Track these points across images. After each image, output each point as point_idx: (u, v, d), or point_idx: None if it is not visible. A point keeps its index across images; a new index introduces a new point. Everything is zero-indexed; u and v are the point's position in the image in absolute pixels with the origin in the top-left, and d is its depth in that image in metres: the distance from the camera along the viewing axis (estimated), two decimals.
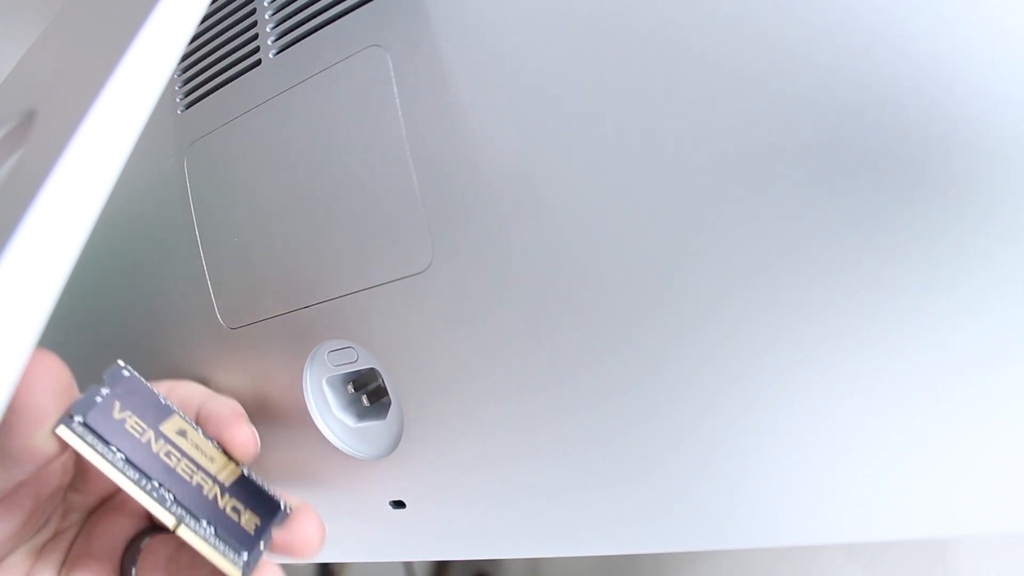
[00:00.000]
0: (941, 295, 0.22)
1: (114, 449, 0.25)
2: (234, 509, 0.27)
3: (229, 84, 0.35)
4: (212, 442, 0.28)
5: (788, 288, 0.24)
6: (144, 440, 0.26)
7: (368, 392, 0.35)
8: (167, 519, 0.25)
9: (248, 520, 0.27)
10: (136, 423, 0.26)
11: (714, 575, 0.72)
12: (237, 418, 0.29)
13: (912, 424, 0.23)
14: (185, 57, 0.37)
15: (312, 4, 0.33)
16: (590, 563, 0.85)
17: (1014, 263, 0.21)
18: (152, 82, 0.19)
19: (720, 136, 0.24)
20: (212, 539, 0.26)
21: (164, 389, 0.29)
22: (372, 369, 0.34)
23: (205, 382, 0.38)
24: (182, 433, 0.27)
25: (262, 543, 0.27)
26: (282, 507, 0.28)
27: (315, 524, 0.29)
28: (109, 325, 0.42)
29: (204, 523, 0.26)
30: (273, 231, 0.34)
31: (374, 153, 0.30)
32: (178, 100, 0.37)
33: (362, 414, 0.36)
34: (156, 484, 0.25)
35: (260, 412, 0.37)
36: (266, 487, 0.29)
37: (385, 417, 0.34)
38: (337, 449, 0.35)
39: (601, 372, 0.27)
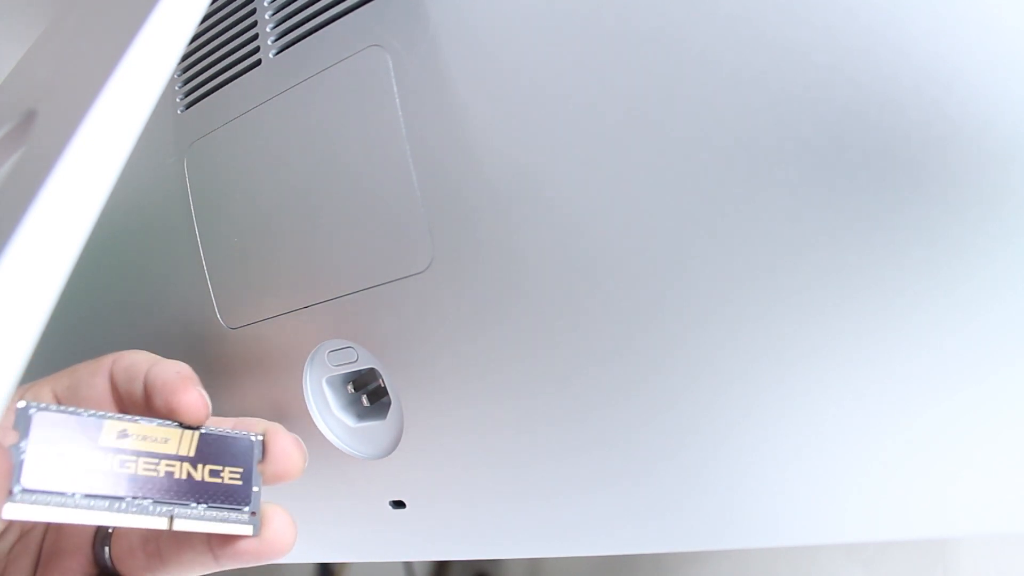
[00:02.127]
0: (941, 295, 0.22)
1: (68, 495, 0.23)
2: (212, 472, 0.26)
3: (229, 84, 0.35)
4: (155, 422, 0.26)
5: (788, 288, 0.24)
6: (91, 466, 0.24)
7: (368, 392, 0.35)
8: (159, 523, 0.24)
9: (230, 474, 0.26)
10: (73, 455, 0.24)
11: (714, 575, 0.72)
12: (183, 382, 0.26)
13: (912, 424, 0.23)
14: (185, 57, 0.37)
15: (312, 4, 0.33)
16: (590, 563, 0.85)
17: (1014, 263, 0.21)
18: (152, 82, 0.19)
19: (720, 136, 0.24)
20: (209, 515, 0.25)
21: (107, 363, 0.28)
22: (372, 369, 0.34)
23: (205, 382, 0.38)
24: (123, 435, 0.25)
25: (254, 487, 0.26)
26: (253, 440, 0.27)
27: (289, 442, 0.27)
28: (109, 325, 0.42)
29: (193, 505, 0.25)
30: (273, 231, 0.34)
31: (374, 153, 0.30)
32: (178, 100, 0.37)
33: (362, 414, 0.36)
34: (129, 499, 0.24)
35: (260, 412, 0.37)
36: (228, 432, 0.27)
37: (385, 417, 0.34)
38: (337, 449, 0.35)
39: (601, 372, 0.27)
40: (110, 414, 0.25)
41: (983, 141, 0.21)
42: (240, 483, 0.26)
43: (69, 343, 0.43)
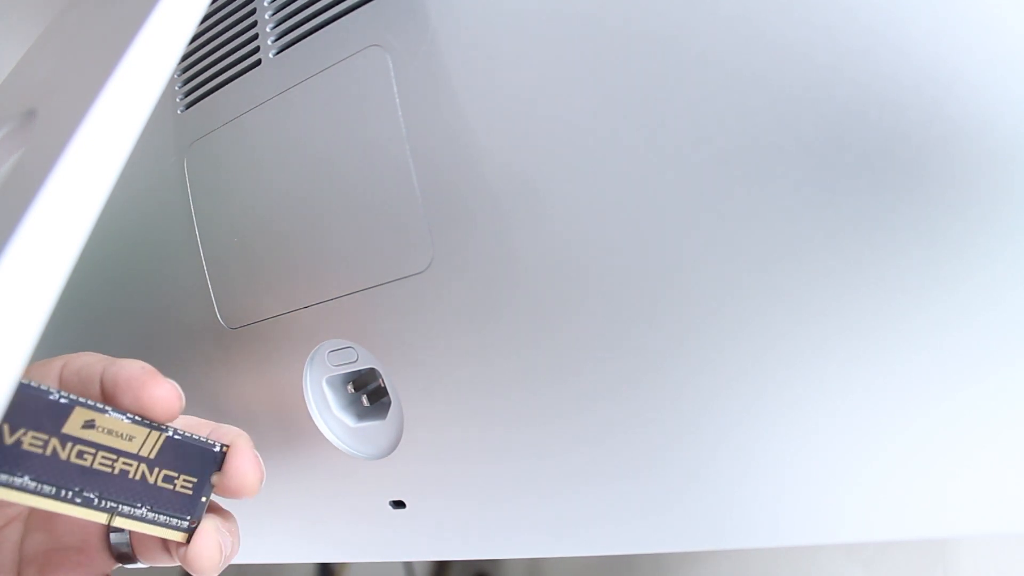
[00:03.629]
0: (941, 295, 0.22)
1: (18, 475, 0.23)
2: (166, 478, 0.26)
3: (229, 84, 0.35)
4: (125, 417, 0.25)
5: (787, 288, 0.24)
6: (49, 452, 0.24)
7: (368, 392, 0.35)
8: (99, 517, 0.25)
9: (183, 483, 0.26)
10: (33, 438, 0.23)
11: (714, 575, 0.72)
12: (150, 375, 0.25)
13: (912, 424, 0.23)
14: (185, 57, 0.37)
15: (312, 4, 0.33)
16: (590, 563, 0.85)
17: (1014, 263, 0.21)
18: (152, 82, 0.19)
19: (720, 136, 0.24)
20: (149, 517, 0.25)
21: (58, 366, 0.27)
22: (372, 369, 0.34)
23: (205, 382, 0.38)
24: (90, 424, 0.24)
25: (203, 498, 0.27)
26: (217, 450, 0.27)
27: (247, 460, 0.27)
28: (109, 325, 0.42)
29: (137, 506, 0.25)
30: (273, 231, 0.34)
31: (374, 153, 0.30)
32: (178, 100, 0.37)
33: (362, 414, 0.36)
34: (76, 490, 0.24)
35: (260, 412, 0.37)
36: (197, 437, 0.27)
37: (385, 417, 0.34)
38: (337, 449, 0.35)
39: (601, 371, 0.27)
40: (82, 400, 0.24)
41: (983, 141, 0.21)
42: (190, 493, 0.26)
43: (69, 343, 0.43)
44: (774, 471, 0.26)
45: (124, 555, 0.28)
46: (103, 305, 0.42)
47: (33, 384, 0.24)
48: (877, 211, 0.22)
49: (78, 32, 0.28)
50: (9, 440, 0.23)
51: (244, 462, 0.27)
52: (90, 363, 0.27)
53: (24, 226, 0.17)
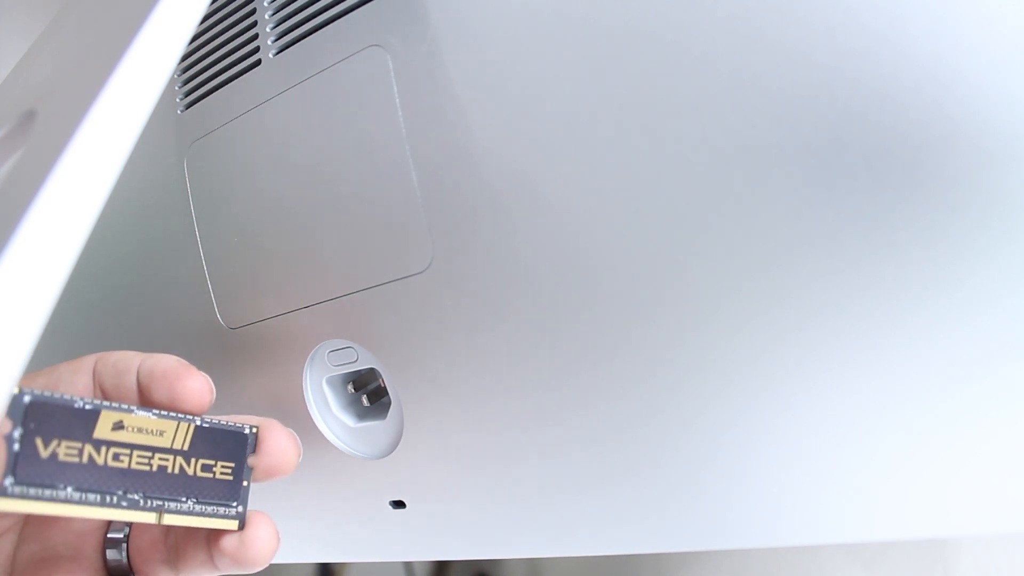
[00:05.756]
0: (941, 295, 0.22)
1: (61, 488, 0.23)
2: (204, 467, 0.26)
3: (229, 84, 0.35)
4: (152, 413, 0.25)
5: (788, 288, 0.24)
6: (85, 460, 0.23)
7: (368, 392, 0.35)
8: (148, 518, 0.24)
9: (222, 469, 0.26)
10: (68, 447, 0.23)
11: (714, 575, 0.72)
12: (185, 368, 0.26)
13: (912, 424, 0.23)
14: (185, 57, 0.37)
15: (312, 4, 0.33)
16: (590, 563, 0.85)
17: (1014, 263, 0.21)
18: (152, 82, 0.19)
19: (720, 136, 0.24)
20: (197, 510, 0.25)
21: (90, 362, 0.27)
22: (372, 369, 0.34)
23: None
24: (119, 426, 0.24)
25: (244, 481, 0.26)
26: (247, 432, 0.27)
27: (283, 436, 0.27)
28: (109, 325, 0.42)
29: (183, 499, 0.25)
30: (273, 231, 0.34)
31: (374, 153, 0.30)
32: (178, 100, 0.37)
33: (362, 414, 0.36)
34: (121, 493, 0.24)
35: (260, 412, 0.37)
36: (224, 423, 0.27)
37: (385, 417, 0.34)
38: (337, 449, 0.35)
39: (601, 371, 0.27)
40: (106, 403, 0.24)
41: (983, 141, 0.21)
42: (231, 478, 0.26)
43: (69, 343, 0.43)
44: (774, 471, 0.26)
45: (119, 569, 0.28)
46: (103, 305, 0.42)
47: (56, 395, 0.23)
48: (877, 211, 0.22)
49: (78, 32, 0.28)
50: (45, 454, 0.23)
51: (281, 439, 0.27)
52: (127, 356, 0.27)
53: (24, 226, 0.17)
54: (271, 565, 0.28)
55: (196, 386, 0.26)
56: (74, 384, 0.27)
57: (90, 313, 0.42)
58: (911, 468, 0.24)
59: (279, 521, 0.32)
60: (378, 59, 0.30)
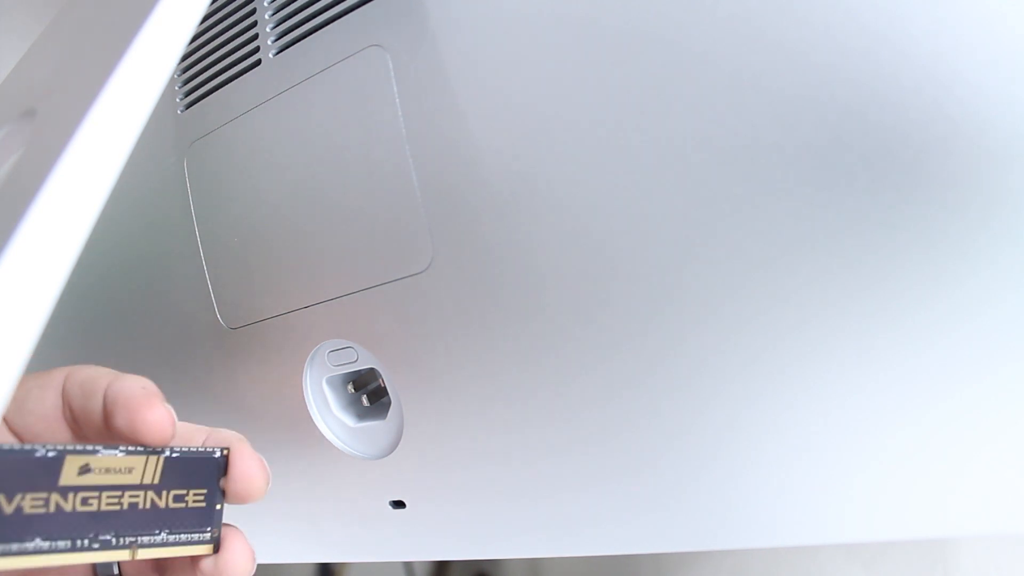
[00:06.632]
0: (941, 295, 0.22)
1: (29, 541, 0.22)
2: (176, 498, 0.25)
3: (229, 84, 0.35)
4: (118, 451, 0.24)
5: (788, 287, 0.24)
6: (52, 509, 0.22)
7: (368, 392, 0.35)
8: (122, 555, 0.24)
9: (194, 497, 0.26)
10: (33, 499, 0.22)
11: (714, 575, 0.72)
12: (148, 397, 0.25)
13: (912, 424, 0.23)
14: (185, 57, 0.37)
15: (312, 4, 0.33)
16: (590, 563, 0.85)
17: (1014, 263, 0.21)
18: (152, 82, 0.19)
19: (720, 136, 0.24)
20: (171, 540, 0.25)
21: (59, 377, 0.26)
22: (372, 369, 0.34)
23: (205, 382, 0.38)
24: (85, 469, 0.23)
25: (218, 505, 0.26)
26: (218, 456, 0.26)
27: (251, 463, 0.26)
28: (109, 325, 0.42)
29: (156, 532, 0.24)
30: (273, 231, 0.34)
31: (374, 153, 0.30)
32: (178, 100, 0.37)
33: (362, 414, 0.36)
34: (92, 536, 0.23)
35: (260, 412, 0.37)
36: (195, 449, 0.26)
37: (385, 417, 0.34)
38: (337, 449, 0.35)
39: (601, 371, 0.27)
40: (70, 446, 0.23)
41: (983, 141, 0.21)
42: (203, 505, 0.26)
43: (68, 344, 0.43)
44: (774, 471, 0.26)
45: None
46: (103, 305, 0.42)
47: (15, 447, 0.22)
48: (877, 211, 0.22)
49: (78, 32, 0.28)
50: (9, 509, 0.22)
51: (249, 466, 0.26)
52: (94, 377, 0.26)
53: (24, 226, 0.17)
54: (271, 565, 0.28)
55: (155, 419, 0.24)
56: (42, 400, 0.26)
57: (90, 313, 0.42)
58: (911, 468, 0.24)
59: (280, 521, 0.32)
60: (378, 59, 0.30)
